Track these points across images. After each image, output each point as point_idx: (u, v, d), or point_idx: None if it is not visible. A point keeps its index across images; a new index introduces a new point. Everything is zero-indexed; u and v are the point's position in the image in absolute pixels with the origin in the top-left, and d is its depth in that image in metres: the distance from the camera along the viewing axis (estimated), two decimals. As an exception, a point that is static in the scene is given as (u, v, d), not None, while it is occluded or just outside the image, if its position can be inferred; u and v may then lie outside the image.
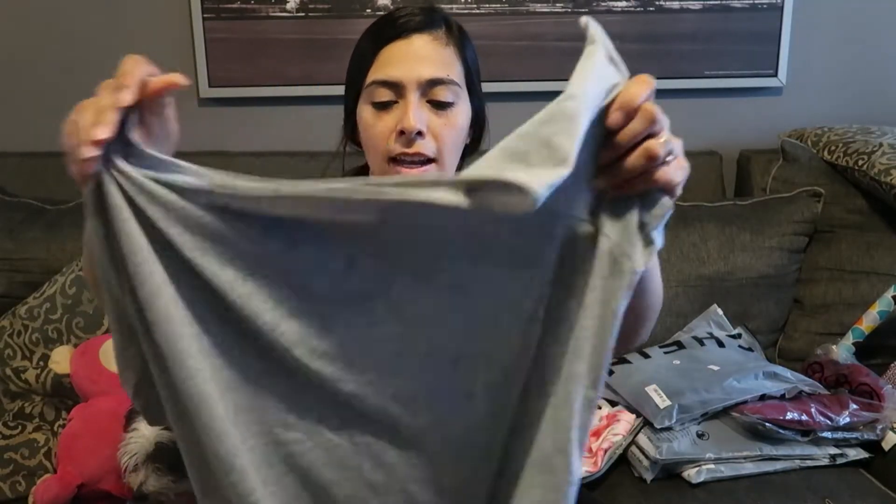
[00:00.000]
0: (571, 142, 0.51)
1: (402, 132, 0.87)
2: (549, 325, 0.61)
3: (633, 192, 0.57)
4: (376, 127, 0.90)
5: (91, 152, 0.57)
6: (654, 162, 0.56)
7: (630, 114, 0.55)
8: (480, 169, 0.53)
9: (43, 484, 1.21)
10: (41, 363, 1.40)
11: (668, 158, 0.56)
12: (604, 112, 0.55)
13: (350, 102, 0.96)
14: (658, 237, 0.57)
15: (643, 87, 0.56)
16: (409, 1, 1.77)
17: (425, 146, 0.88)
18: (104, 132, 0.57)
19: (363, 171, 1.01)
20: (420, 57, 0.89)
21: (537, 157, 0.51)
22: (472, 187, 0.53)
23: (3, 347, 1.42)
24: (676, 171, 0.57)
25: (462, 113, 0.92)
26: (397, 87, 0.89)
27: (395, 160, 0.88)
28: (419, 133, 0.87)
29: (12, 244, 1.53)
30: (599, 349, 0.58)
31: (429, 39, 0.90)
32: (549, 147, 0.51)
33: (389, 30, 0.91)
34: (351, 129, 0.98)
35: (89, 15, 1.79)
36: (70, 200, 1.61)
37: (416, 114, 0.87)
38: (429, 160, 0.89)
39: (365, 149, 0.95)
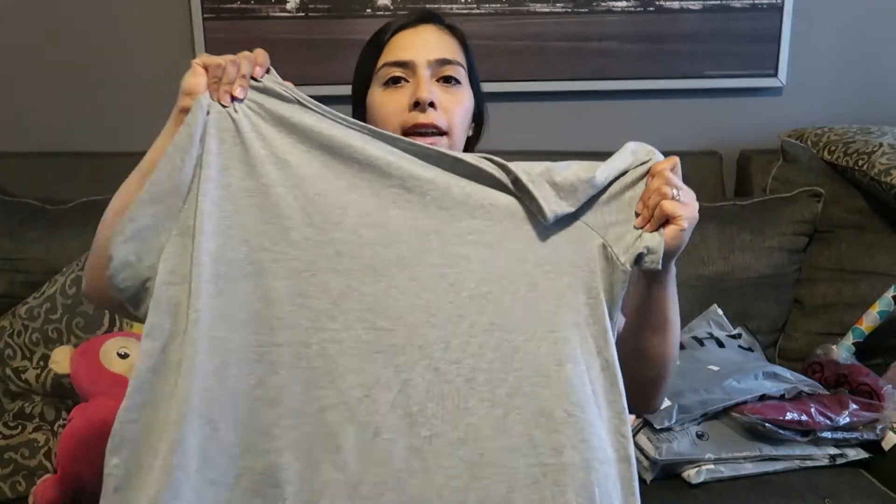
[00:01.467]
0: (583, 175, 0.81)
1: (416, 103, 0.92)
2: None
3: (656, 224, 0.82)
4: (389, 104, 0.95)
5: (226, 101, 0.80)
6: (663, 196, 0.80)
7: (653, 175, 0.82)
8: (527, 174, 0.80)
9: (43, 484, 1.21)
10: (41, 363, 1.40)
11: (676, 196, 0.81)
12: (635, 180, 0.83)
13: (358, 96, 1.01)
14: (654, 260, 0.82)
15: (666, 162, 0.82)
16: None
17: (438, 118, 0.93)
18: (240, 93, 0.81)
19: None
20: (428, 41, 0.97)
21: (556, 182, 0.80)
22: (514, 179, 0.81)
23: (4, 347, 1.42)
24: (680, 207, 0.81)
25: (468, 95, 0.98)
26: (408, 67, 0.95)
27: (410, 132, 0.92)
28: (431, 105, 0.92)
29: (12, 244, 1.53)
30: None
31: (434, 29, 0.98)
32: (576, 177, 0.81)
33: (394, 24, 0.99)
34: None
35: (89, 15, 1.79)
36: (70, 200, 1.61)
37: (428, 87, 0.93)
38: (441, 132, 0.94)
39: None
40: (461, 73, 0.97)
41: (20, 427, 1.36)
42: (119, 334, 1.39)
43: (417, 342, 0.78)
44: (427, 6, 1.77)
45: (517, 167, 0.81)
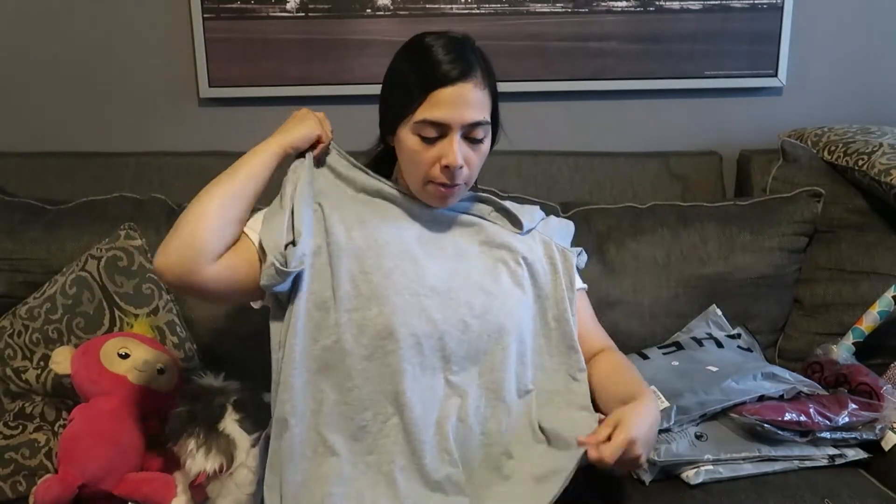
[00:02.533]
0: None
1: (446, 167, 1.10)
2: None
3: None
4: (421, 155, 1.12)
5: (318, 153, 1.19)
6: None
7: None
8: None
9: (44, 484, 1.21)
10: (42, 363, 1.40)
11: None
12: None
13: (390, 120, 1.16)
14: None
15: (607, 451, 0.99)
16: (406, 22, 1.77)
17: (461, 176, 1.12)
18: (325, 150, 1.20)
19: (386, 159, 1.25)
20: (465, 102, 1.09)
21: None
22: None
23: (4, 347, 1.42)
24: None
25: (487, 144, 1.16)
26: (443, 127, 1.10)
27: (435, 183, 1.13)
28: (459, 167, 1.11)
29: (12, 244, 1.53)
30: None
31: (471, 87, 1.10)
32: None
33: (437, 72, 1.09)
34: (385, 133, 1.20)
35: (89, 15, 1.79)
36: (70, 200, 1.61)
37: (458, 151, 1.10)
38: (461, 184, 1.14)
39: (405, 163, 1.16)
40: (486, 129, 1.13)
41: (21, 427, 1.36)
42: (119, 334, 1.39)
43: (450, 304, 1.11)
44: (427, 6, 1.77)
45: (495, 199, 1.25)
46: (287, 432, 1.07)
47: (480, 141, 1.13)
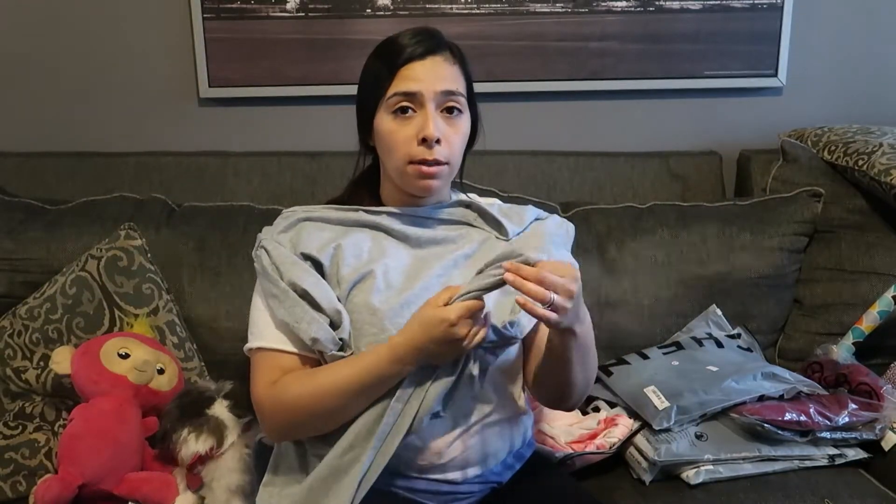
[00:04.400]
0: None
1: (423, 140, 1.05)
2: None
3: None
4: (398, 134, 1.07)
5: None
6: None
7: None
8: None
9: (44, 484, 1.21)
10: (41, 363, 1.40)
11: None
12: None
13: (366, 115, 1.12)
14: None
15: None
16: (406, 22, 1.78)
17: (441, 152, 1.06)
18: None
19: (371, 174, 1.20)
20: (436, 73, 1.07)
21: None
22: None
23: (4, 347, 1.42)
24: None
25: (466, 121, 1.11)
26: (416, 98, 1.06)
27: (416, 162, 1.06)
28: (437, 140, 1.05)
29: (12, 244, 1.53)
30: None
31: (440, 60, 1.08)
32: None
33: (404, 52, 1.07)
34: (364, 136, 1.15)
35: (89, 15, 1.79)
36: (70, 200, 1.61)
37: (434, 123, 1.05)
38: (443, 163, 1.07)
39: (384, 152, 1.11)
40: (462, 102, 1.09)
41: (21, 427, 1.36)
42: (119, 334, 1.39)
43: None
44: (427, 6, 1.77)
45: (481, 204, 1.18)
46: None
47: (458, 114, 1.09)
